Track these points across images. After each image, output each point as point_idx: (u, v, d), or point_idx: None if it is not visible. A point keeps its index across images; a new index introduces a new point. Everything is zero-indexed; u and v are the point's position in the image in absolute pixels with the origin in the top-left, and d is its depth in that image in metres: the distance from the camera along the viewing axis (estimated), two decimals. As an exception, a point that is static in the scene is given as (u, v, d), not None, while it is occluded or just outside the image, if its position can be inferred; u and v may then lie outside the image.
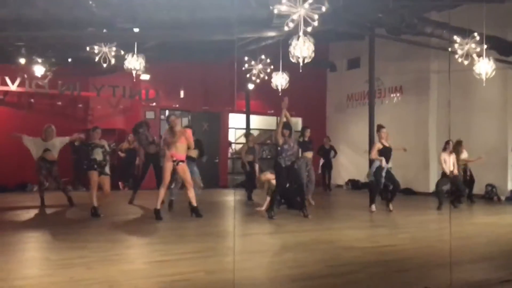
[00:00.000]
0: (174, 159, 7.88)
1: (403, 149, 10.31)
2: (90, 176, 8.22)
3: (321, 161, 14.34)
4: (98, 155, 8.23)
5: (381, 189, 9.61)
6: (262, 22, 8.74)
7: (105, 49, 9.17)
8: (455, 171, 10.04)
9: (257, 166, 11.13)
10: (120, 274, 4.41)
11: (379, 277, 4.56)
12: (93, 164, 8.21)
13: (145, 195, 10.43)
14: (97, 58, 9.25)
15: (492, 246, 6.26)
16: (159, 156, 9.85)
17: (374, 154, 9.26)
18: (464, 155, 10.99)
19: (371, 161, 9.64)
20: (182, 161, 7.97)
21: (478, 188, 12.07)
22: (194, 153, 9.11)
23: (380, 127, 9.42)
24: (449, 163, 9.99)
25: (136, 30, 8.75)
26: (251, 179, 11.30)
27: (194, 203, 8.09)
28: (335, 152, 14.53)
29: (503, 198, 12.08)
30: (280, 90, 10.11)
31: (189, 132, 8.14)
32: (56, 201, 9.79)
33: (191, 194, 8.06)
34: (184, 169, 7.98)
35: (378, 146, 9.26)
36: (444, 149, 10.06)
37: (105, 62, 9.23)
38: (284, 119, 8.44)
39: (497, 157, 12.33)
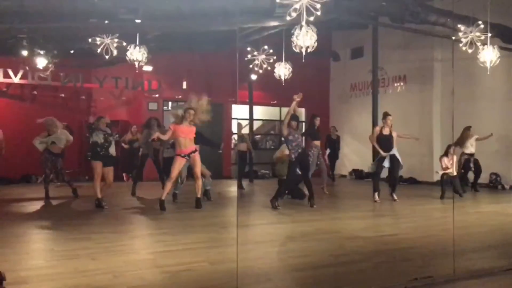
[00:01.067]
0: (183, 154, 7.92)
1: (414, 138, 10.29)
2: (94, 166, 8.22)
3: (327, 151, 14.35)
4: (98, 138, 8.16)
5: (378, 179, 9.56)
6: (264, 12, 8.68)
7: (107, 41, 9.14)
8: (454, 172, 9.97)
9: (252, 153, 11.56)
10: (125, 264, 4.43)
11: (383, 266, 4.56)
12: (96, 149, 8.16)
13: (148, 186, 10.47)
14: (99, 50, 9.23)
15: (495, 235, 6.26)
16: (158, 151, 9.98)
17: (374, 141, 9.29)
18: (473, 141, 10.90)
19: (374, 151, 9.63)
20: (193, 151, 8.01)
21: (483, 177, 12.03)
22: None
23: (386, 114, 9.41)
24: (449, 166, 9.92)
25: (138, 21, 8.71)
26: (241, 168, 11.66)
27: (198, 195, 8.14)
28: (339, 144, 14.52)
29: (507, 186, 12.05)
30: (283, 80, 10.07)
31: (193, 129, 8.17)
32: (61, 193, 9.83)
33: (198, 184, 8.12)
34: (195, 159, 8.01)
35: (376, 130, 9.29)
36: (446, 154, 10.01)
37: (107, 53, 9.22)
38: (292, 111, 8.44)
39: (501, 146, 12.29)
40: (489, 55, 8.95)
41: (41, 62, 11.86)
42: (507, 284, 4.12)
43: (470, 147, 10.95)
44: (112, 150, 8.34)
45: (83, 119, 13.99)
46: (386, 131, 9.32)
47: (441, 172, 9.99)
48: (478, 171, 11.30)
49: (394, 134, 9.40)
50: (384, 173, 9.78)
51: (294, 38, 6.79)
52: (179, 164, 7.98)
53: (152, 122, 9.98)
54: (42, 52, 11.59)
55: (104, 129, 8.29)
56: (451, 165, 9.90)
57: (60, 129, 9.37)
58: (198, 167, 8.10)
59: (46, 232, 6.35)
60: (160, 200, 7.91)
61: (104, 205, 8.06)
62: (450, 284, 4.01)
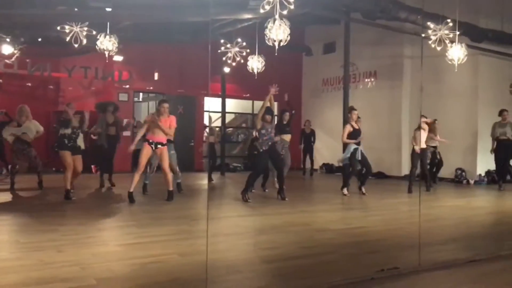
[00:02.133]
0: (151, 141, 7.78)
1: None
2: (63, 156, 8.01)
3: (302, 145, 14.48)
4: (67, 130, 7.97)
5: (356, 172, 9.70)
6: (238, 4, 8.66)
7: (76, 29, 8.90)
8: (423, 146, 10.16)
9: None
10: (92, 256, 4.37)
11: (351, 257, 4.64)
12: (63, 141, 7.98)
13: (117, 178, 10.31)
14: (68, 38, 8.99)
15: (460, 228, 6.44)
16: (118, 138, 9.90)
17: (345, 138, 9.37)
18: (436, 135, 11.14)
19: (344, 145, 9.74)
20: (162, 143, 7.86)
21: (448, 172, 12.37)
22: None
23: (351, 108, 9.54)
24: (420, 140, 10.10)
25: (108, 9, 8.54)
26: (212, 160, 11.73)
27: (170, 187, 8.01)
28: (314, 138, 14.64)
29: (472, 181, 12.40)
30: (256, 73, 10.06)
31: (174, 119, 8.02)
32: (27, 184, 9.59)
33: (168, 178, 7.96)
34: (162, 153, 7.87)
35: (349, 128, 9.38)
36: (418, 127, 10.17)
37: (76, 42, 8.97)
38: (268, 104, 8.45)
39: (467, 142, 12.63)
40: (457, 52, 9.16)
41: (6, 49, 11.49)
42: (471, 275, 4.24)
43: (434, 140, 11.17)
44: (80, 142, 8.17)
45: (50, 109, 13.67)
46: (355, 126, 9.45)
47: (416, 147, 10.06)
48: (439, 164, 11.56)
49: (360, 127, 9.54)
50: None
51: (267, 31, 6.79)
52: (147, 152, 7.80)
53: (108, 107, 9.89)
54: (8, 39, 11.23)
55: (73, 123, 8.07)
56: (424, 137, 10.08)
57: (30, 118, 9.11)
58: (166, 162, 7.93)
59: (11, 224, 6.18)
60: (128, 192, 7.78)
61: (72, 197, 7.91)
62: (415, 275, 4.11)
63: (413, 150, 10.05)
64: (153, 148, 7.81)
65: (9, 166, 9.45)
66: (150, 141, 7.78)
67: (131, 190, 7.78)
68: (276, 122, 9.58)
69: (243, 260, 4.50)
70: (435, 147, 11.30)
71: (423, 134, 10.12)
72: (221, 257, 4.36)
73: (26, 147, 9.04)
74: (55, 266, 4.01)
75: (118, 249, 4.81)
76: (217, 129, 13.80)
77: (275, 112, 13.93)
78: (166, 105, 7.93)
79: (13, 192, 8.92)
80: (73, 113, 8.15)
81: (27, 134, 9.01)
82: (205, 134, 16.12)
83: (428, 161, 10.86)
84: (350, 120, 9.44)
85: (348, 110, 9.62)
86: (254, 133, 8.90)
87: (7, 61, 12.47)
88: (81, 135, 8.18)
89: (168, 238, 5.25)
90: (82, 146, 8.23)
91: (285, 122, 10.15)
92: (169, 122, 7.91)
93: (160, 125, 7.75)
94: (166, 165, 7.93)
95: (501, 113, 11.09)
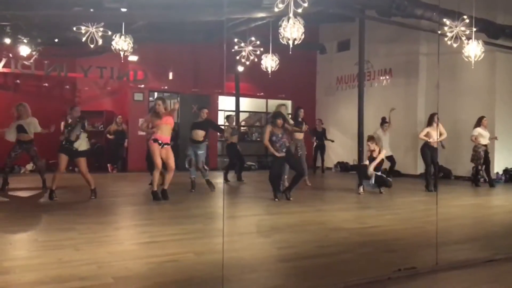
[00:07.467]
0: (160, 141, 7.86)
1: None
2: (58, 157, 7.98)
3: (314, 144, 14.42)
4: (67, 132, 7.96)
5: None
6: (252, 3, 8.65)
7: (92, 29, 8.98)
8: (435, 139, 10.01)
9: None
10: (109, 255, 4.41)
11: (367, 257, 4.61)
12: (62, 143, 7.93)
13: (134, 177, 10.40)
14: (84, 39, 9.08)
15: (478, 227, 6.37)
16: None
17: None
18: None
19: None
20: (167, 143, 7.98)
21: (465, 170, 12.20)
22: (201, 136, 9.44)
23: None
24: (434, 136, 9.96)
25: (123, 10, 8.60)
26: (232, 160, 11.58)
27: (166, 186, 8.03)
28: (325, 136, 14.61)
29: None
30: (270, 72, 10.05)
31: (171, 118, 8.09)
32: (37, 184, 9.71)
33: (169, 177, 8.04)
34: (167, 152, 7.96)
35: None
36: (430, 123, 10.02)
37: (92, 42, 9.05)
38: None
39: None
40: (473, 49, 9.02)
41: (24, 50, 11.65)
42: (488, 275, 4.19)
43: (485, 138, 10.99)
44: (79, 145, 7.96)
45: (67, 109, 13.79)
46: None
47: (430, 140, 9.95)
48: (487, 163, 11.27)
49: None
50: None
51: (281, 30, 6.76)
52: (157, 151, 7.85)
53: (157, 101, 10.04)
54: (25, 40, 11.38)
55: (73, 125, 7.97)
56: (434, 134, 9.94)
57: (30, 116, 9.13)
58: (172, 160, 8.02)
59: (29, 223, 6.27)
60: (152, 191, 7.88)
61: (55, 198, 7.79)
62: (432, 274, 4.07)
63: (424, 146, 9.96)
64: (160, 148, 7.88)
65: (4, 164, 9.34)
66: (160, 141, 7.87)
67: (155, 189, 7.86)
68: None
69: (258, 259, 4.51)
70: (485, 145, 11.06)
71: (436, 131, 9.98)
72: (237, 256, 4.37)
73: (26, 145, 9.02)
74: (73, 264, 4.06)
75: (134, 247, 4.85)
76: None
77: (289, 110, 13.96)
78: (159, 101, 8.10)
79: (2, 192, 8.78)
80: (77, 116, 8.08)
81: (25, 132, 8.98)
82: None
83: (482, 161, 10.89)
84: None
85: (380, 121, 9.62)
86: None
87: (25, 62, 12.64)
88: (80, 139, 8.00)
89: (183, 237, 5.27)
90: (81, 148, 8.02)
91: (300, 119, 10.14)
92: (170, 120, 8.01)
93: (165, 123, 7.89)
94: (172, 163, 8.01)
95: None
